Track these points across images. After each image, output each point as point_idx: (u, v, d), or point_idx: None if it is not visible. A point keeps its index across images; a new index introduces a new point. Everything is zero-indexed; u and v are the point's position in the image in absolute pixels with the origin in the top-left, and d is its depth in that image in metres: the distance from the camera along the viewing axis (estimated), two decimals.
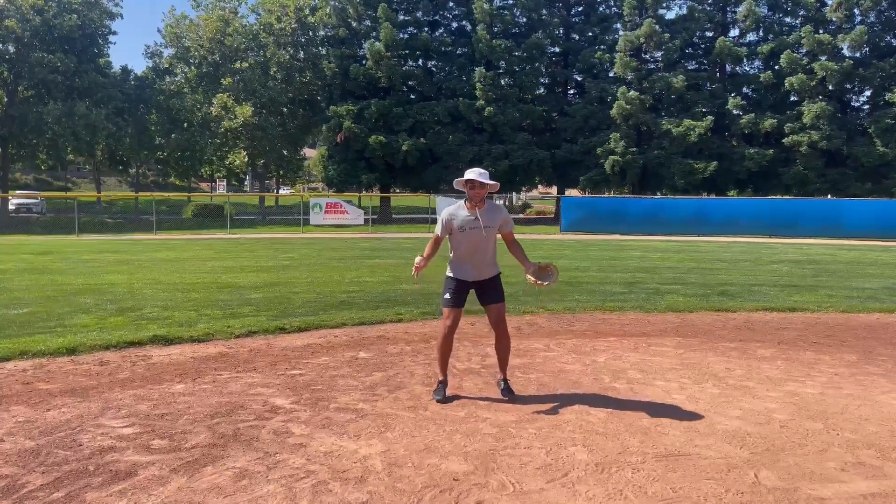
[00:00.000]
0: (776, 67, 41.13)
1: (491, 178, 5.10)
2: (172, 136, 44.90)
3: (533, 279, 5.00)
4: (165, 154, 47.60)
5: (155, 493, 3.53)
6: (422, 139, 42.93)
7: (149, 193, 50.09)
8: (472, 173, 4.98)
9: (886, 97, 38.61)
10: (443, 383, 5.23)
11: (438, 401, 5.05)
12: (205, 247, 23.06)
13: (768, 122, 39.94)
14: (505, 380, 5.32)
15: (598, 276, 13.77)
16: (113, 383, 5.63)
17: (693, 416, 4.85)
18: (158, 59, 49.33)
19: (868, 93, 41.52)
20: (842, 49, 40.23)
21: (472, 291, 5.23)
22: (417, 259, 5.04)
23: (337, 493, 3.55)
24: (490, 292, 5.17)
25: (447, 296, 5.14)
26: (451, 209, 5.13)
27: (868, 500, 3.52)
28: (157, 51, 49.56)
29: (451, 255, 5.17)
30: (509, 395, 5.20)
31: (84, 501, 3.44)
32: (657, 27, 41.37)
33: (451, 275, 5.18)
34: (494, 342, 5.32)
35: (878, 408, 5.10)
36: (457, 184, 5.11)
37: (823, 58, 39.43)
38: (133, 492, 3.55)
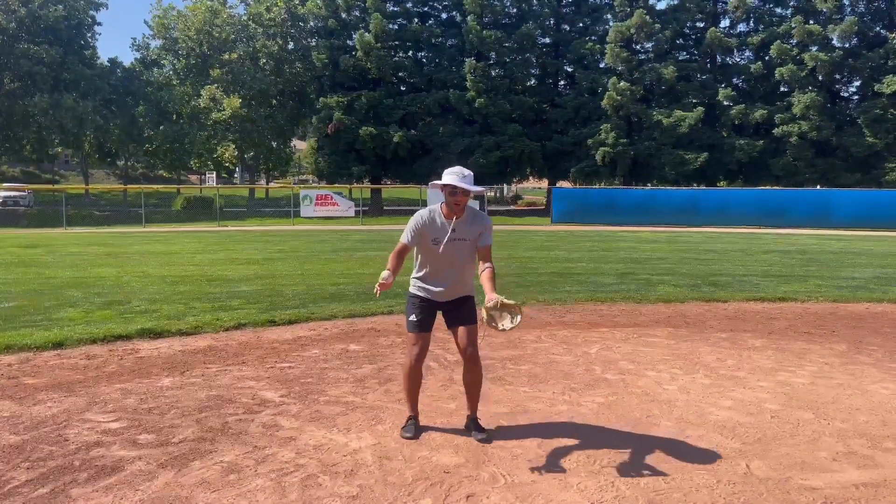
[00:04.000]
0: (766, 58, 41.15)
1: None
2: (161, 128, 44.53)
3: (492, 318, 3.91)
4: (154, 146, 47.22)
5: (142, 489, 3.49)
6: (412, 131, 42.74)
7: (137, 186, 49.65)
8: (454, 177, 4.05)
9: (876, 87, 38.71)
10: (413, 419, 4.34)
11: (408, 438, 4.17)
12: (194, 239, 22.92)
13: (758, 113, 40.01)
14: (475, 418, 4.35)
15: (590, 268, 13.77)
16: (100, 377, 5.57)
17: (684, 407, 4.84)
18: (146, 51, 48.86)
19: (857, 83, 41.61)
20: (832, 39, 40.28)
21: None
22: (385, 274, 4.03)
23: (327, 487, 3.52)
24: (460, 312, 4.25)
25: (413, 318, 4.26)
26: (424, 215, 4.19)
27: (859, 490, 3.52)
28: (145, 43, 49.10)
29: (418, 268, 4.32)
30: (482, 435, 4.21)
31: (70, 497, 3.40)
32: (648, 17, 41.28)
33: (416, 292, 4.31)
34: (463, 373, 4.34)
35: (869, 397, 5.11)
36: (433, 186, 4.21)
37: (813, 48, 39.50)
38: (119, 487, 3.50)
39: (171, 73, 47.76)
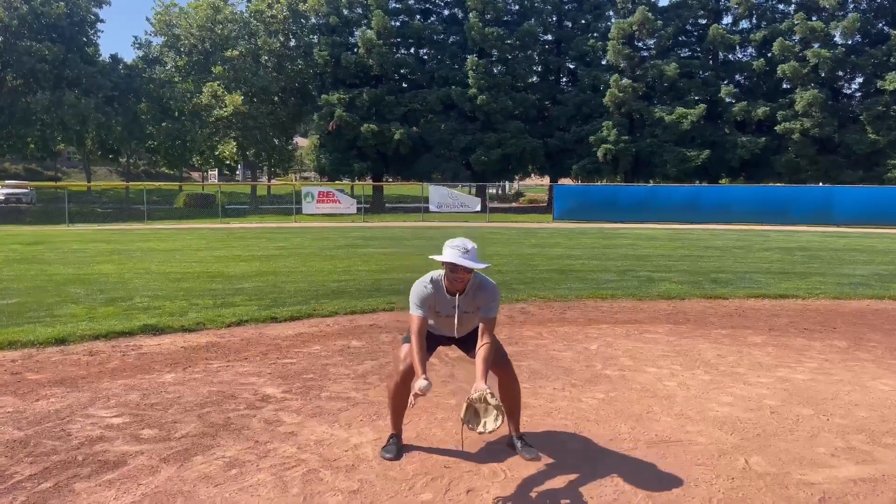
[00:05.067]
0: (769, 55, 41.12)
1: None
2: (163, 125, 44.56)
3: (474, 415, 3.50)
4: (156, 143, 47.27)
5: (144, 483, 3.51)
6: (414, 128, 42.77)
7: (139, 183, 49.81)
8: (455, 252, 3.65)
9: (878, 84, 38.67)
10: (395, 437, 4.01)
11: (388, 458, 3.85)
12: (196, 236, 22.95)
13: (761, 110, 39.99)
14: (520, 437, 3.98)
15: (591, 265, 13.78)
16: (102, 373, 5.60)
17: (684, 403, 4.86)
18: (148, 48, 48.89)
19: (860, 80, 41.60)
20: (834, 36, 40.24)
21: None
22: (422, 385, 3.53)
23: (328, 482, 3.54)
24: (471, 341, 3.94)
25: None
26: (428, 286, 3.83)
27: (858, 485, 3.54)
28: (147, 40, 49.14)
29: None
30: (532, 454, 3.82)
31: (73, 491, 3.42)
32: (650, 14, 41.28)
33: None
34: (498, 388, 3.91)
35: (868, 393, 5.12)
36: (434, 259, 3.81)
37: (816, 45, 39.44)
38: (122, 481, 3.53)
39: (172, 70, 47.77)
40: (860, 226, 28.98)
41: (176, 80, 46.50)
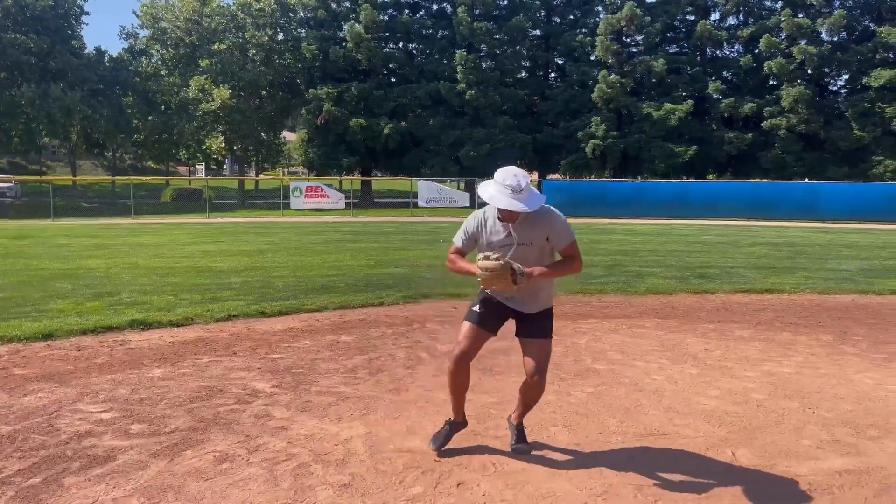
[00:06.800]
0: (756, 51, 41.36)
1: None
2: (149, 118, 44.22)
3: (497, 260, 3.41)
4: (142, 137, 46.91)
5: (134, 478, 3.50)
6: (403, 122, 42.70)
7: (126, 177, 49.31)
8: (503, 194, 3.38)
9: (863, 81, 39.00)
10: (451, 425, 3.90)
11: (435, 448, 3.82)
12: (183, 231, 22.81)
13: (748, 106, 40.25)
14: (519, 425, 3.95)
15: None
16: (90, 368, 5.56)
17: (672, 397, 4.90)
18: (134, 40, 48.44)
19: (845, 76, 41.93)
20: (820, 33, 40.52)
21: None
22: (485, 261, 3.43)
23: (318, 476, 3.55)
24: (534, 325, 3.69)
25: (476, 308, 3.71)
26: (479, 215, 3.66)
27: (843, 477, 3.59)
28: (133, 32, 48.68)
29: None
30: (524, 447, 3.87)
31: (62, 486, 3.41)
32: (638, 10, 41.39)
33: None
34: (522, 385, 3.80)
35: (853, 386, 5.19)
36: (481, 192, 3.52)
37: (802, 42, 39.72)
38: (112, 476, 3.52)
39: (159, 62, 47.37)
40: (845, 221, 29.24)
41: (162, 73, 46.12)
